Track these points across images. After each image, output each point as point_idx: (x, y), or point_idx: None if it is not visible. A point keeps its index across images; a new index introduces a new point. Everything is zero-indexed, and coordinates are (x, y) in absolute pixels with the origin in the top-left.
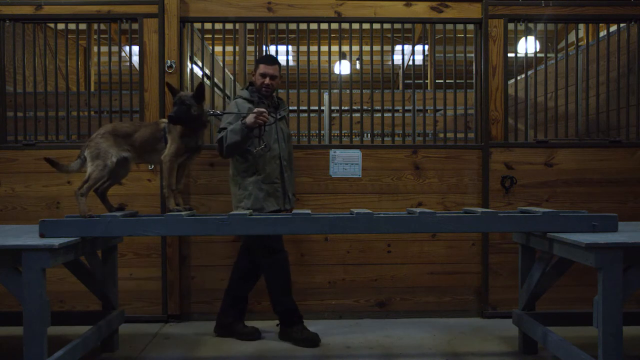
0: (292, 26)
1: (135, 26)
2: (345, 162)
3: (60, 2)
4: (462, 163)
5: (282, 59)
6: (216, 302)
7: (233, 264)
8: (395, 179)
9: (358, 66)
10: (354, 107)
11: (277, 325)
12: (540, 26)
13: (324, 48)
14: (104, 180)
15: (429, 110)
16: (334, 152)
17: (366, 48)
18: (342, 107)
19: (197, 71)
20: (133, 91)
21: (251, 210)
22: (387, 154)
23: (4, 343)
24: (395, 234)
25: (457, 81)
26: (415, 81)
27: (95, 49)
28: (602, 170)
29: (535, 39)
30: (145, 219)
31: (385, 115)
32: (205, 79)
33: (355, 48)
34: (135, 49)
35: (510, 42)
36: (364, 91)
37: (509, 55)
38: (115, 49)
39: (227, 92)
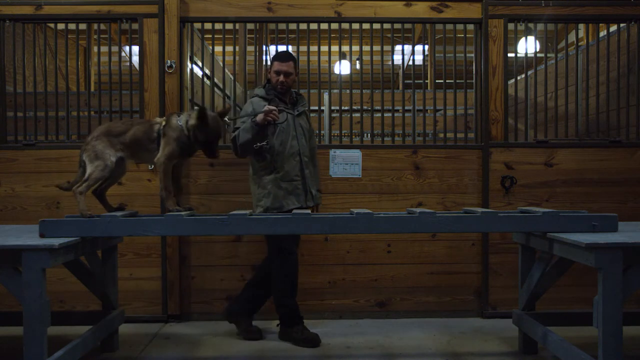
0: (292, 26)
1: (135, 26)
2: (345, 162)
3: (60, 2)
4: (462, 163)
5: None
6: (216, 302)
7: (263, 259)
8: (395, 179)
9: (358, 66)
10: (354, 107)
11: (277, 325)
12: (540, 26)
13: (324, 48)
14: (103, 180)
15: (429, 110)
16: (334, 152)
17: (366, 48)
18: (342, 107)
19: (197, 71)
20: (133, 91)
21: (267, 209)
22: (387, 154)
23: (4, 343)
24: (395, 234)
25: (457, 81)
26: (415, 81)
27: (95, 49)
28: (602, 170)
29: (535, 39)
30: (145, 219)
31: (385, 115)
32: (205, 79)
33: (355, 48)
34: (135, 49)
35: (510, 42)
36: (364, 91)
37: (509, 55)
38: (115, 49)
39: (227, 92)
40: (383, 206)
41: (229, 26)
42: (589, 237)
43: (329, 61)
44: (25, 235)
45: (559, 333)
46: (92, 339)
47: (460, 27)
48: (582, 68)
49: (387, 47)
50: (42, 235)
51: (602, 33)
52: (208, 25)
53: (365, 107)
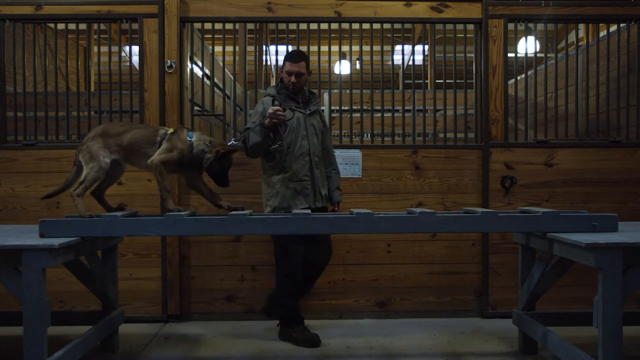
0: (292, 26)
1: (135, 26)
2: (346, 162)
3: (60, 2)
4: (462, 163)
5: (282, 59)
6: (216, 302)
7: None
8: (395, 179)
9: (358, 66)
10: (354, 107)
11: (278, 325)
12: (540, 26)
13: (324, 48)
14: (100, 181)
15: (429, 110)
16: (334, 152)
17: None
18: (342, 107)
19: (197, 71)
20: (133, 91)
21: (275, 209)
22: (387, 154)
23: (4, 343)
24: (395, 234)
25: (457, 81)
26: (415, 81)
27: (95, 49)
28: (602, 170)
29: (535, 39)
30: (145, 219)
31: (385, 115)
32: (205, 79)
33: (355, 48)
34: (135, 49)
35: (510, 42)
36: (364, 91)
37: (509, 55)
38: (115, 49)
39: (227, 92)
40: (383, 206)
41: (229, 26)
42: (589, 237)
43: (329, 61)
44: (25, 235)
45: (559, 333)
46: (92, 339)
47: (460, 27)
48: (582, 68)
49: (387, 47)
50: (42, 235)
51: (602, 33)
52: (208, 25)
53: (365, 107)
